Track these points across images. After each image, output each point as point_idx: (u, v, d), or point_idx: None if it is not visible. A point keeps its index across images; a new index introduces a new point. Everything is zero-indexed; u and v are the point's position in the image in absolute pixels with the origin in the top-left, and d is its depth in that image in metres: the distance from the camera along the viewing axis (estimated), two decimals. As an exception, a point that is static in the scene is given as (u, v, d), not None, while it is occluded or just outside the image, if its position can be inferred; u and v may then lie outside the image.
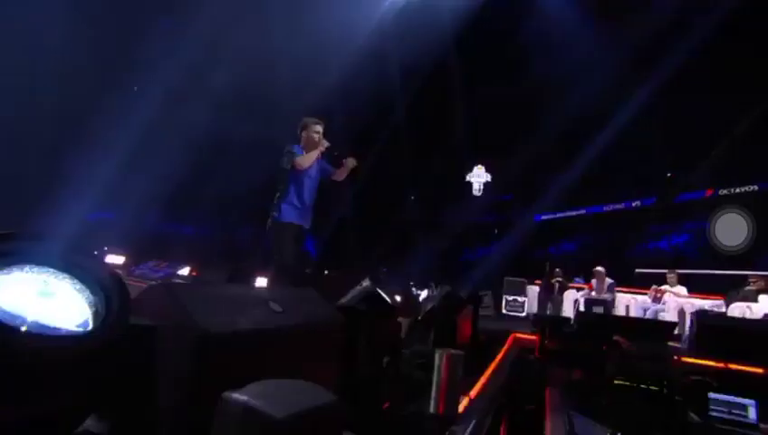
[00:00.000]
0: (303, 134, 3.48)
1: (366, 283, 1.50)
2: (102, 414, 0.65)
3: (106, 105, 9.65)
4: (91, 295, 0.64)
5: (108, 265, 0.72)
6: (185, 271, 8.78)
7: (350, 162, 3.52)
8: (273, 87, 13.58)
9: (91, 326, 0.62)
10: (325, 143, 3.44)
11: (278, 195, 3.37)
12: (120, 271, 8.59)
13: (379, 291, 1.49)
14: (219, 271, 9.86)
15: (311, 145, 3.42)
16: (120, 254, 9.98)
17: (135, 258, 10.03)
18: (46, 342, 0.55)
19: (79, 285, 0.63)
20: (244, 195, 12.47)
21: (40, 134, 9.63)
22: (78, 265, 0.63)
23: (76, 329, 0.61)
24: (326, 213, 13.67)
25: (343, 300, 1.43)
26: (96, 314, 0.62)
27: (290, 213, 3.31)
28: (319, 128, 3.47)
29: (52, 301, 0.60)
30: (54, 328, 0.59)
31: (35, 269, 0.59)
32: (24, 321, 0.56)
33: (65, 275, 0.62)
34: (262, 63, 12.86)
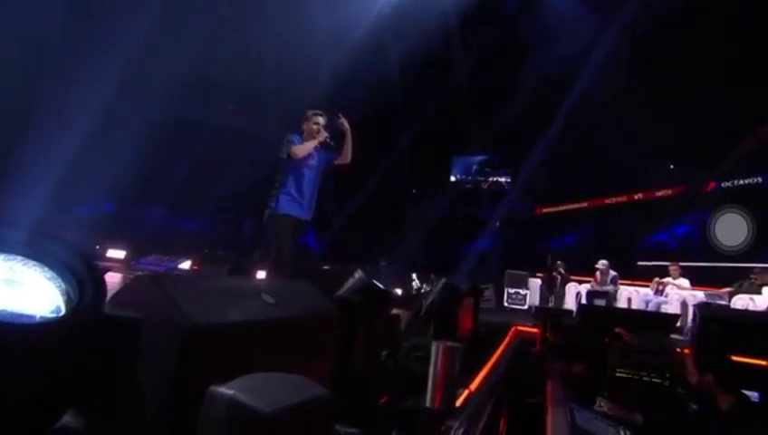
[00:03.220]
0: (305, 125, 3.45)
1: (358, 274, 1.47)
2: (83, 409, 0.63)
3: (101, 97, 9.60)
4: (62, 283, 0.61)
5: (81, 251, 0.70)
6: (185, 265, 8.79)
7: (343, 125, 3.47)
8: (274, 81, 13.53)
9: (63, 313, 0.60)
10: (324, 134, 3.40)
11: (276, 186, 3.32)
12: (120, 265, 8.63)
13: (374, 281, 1.47)
14: (220, 265, 9.88)
15: (310, 136, 3.39)
16: (121, 248, 10.01)
17: (136, 253, 10.04)
18: (14, 329, 0.53)
19: (49, 273, 0.61)
20: (246, 189, 12.46)
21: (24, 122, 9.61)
22: (47, 252, 0.61)
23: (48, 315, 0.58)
24: (327, 208, 13.69)
25: (339, 293, 1.41)
26: (68, 301, 0.60)
27: (287, 204, 3.26)
28: (319, 119, 3.43)
29: (20, 289, 0.57)
30: (26, 315, 0.56)
31: (1, 257, 0.57)
32: None
33: (34, 263, 0.60)
34: (263, 57, 12.81)
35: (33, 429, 0.59)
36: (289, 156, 3.27)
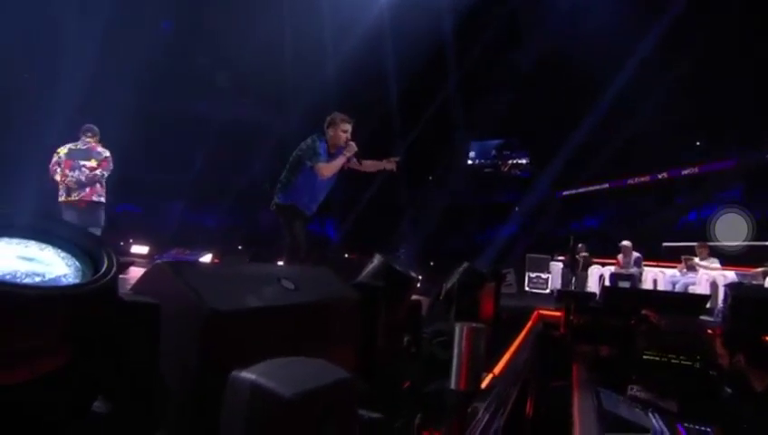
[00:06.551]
0: (330, 130, 3.23)
1: (377, 259, 1.46)
2: (105, 395, 0.64)
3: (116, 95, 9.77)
4: (77, 262, 0.62)
5: (92, 232, 0.74)
6: (206, 258, 8.99)
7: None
8: (290, 75, 13.58)
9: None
10: (353, 148, 3.21)
11: (287, 183, 3.22)
12: (144, 260, 8.86)
13: (395, 266, 1.45)
14: (241, 257, 10.05)
15: (336, 143, 3.23)
16: (144, 244, 10.31)
17: (159, 248, 10.32)
18: (45, 291, 0.54)
19: (63, 253, 0.62)
20: (263, 182, 12.60)
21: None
22: (59, 235, 0.62)
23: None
24: (346, 198, 13.75)
25: (359, 278, 1.40)
26: (84, 276, 0.61)
27: (294, 200, 3.21)
28: (347, 126, 3.22)
29: (36, 263, 0.59)
30: (52, 278, 0.58)
31: (14, 241, 0.58)
32: (13, 275, 0.54)
33: (47, 245, 0.61)
34: (279, 51, 12.86)
35: (69, 413, 0.60)
36: (312, 167, 3.13)
